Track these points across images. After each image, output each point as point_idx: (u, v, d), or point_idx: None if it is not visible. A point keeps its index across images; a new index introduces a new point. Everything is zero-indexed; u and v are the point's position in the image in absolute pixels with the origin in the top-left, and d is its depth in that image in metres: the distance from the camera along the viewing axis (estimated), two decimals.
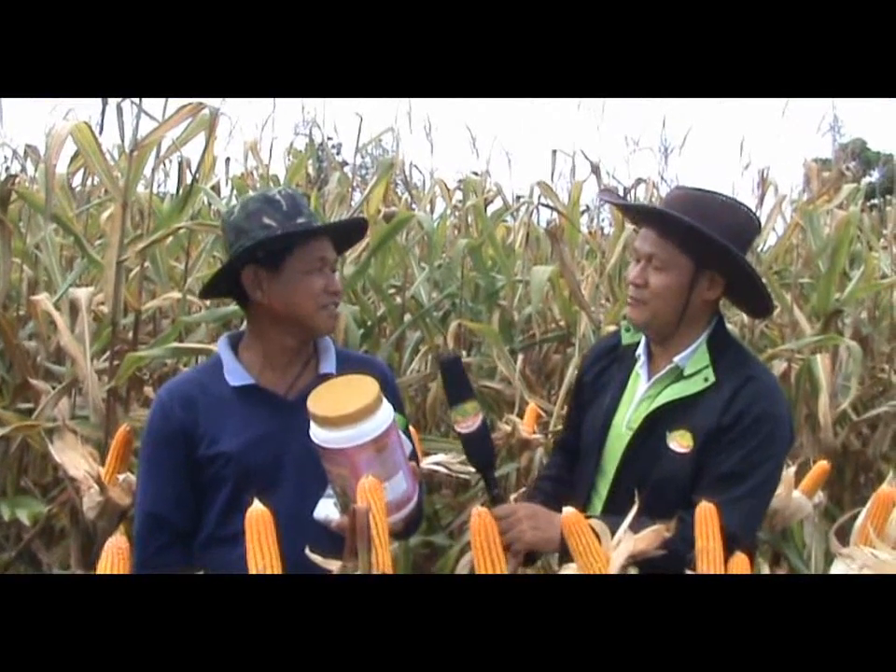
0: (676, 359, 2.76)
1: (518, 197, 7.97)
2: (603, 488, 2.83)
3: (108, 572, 1.82)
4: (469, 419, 2.55)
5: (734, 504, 2.52)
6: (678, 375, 2.77)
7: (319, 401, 2.31)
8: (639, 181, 7.98)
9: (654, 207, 2.80)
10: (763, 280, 2.84)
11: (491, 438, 2.69)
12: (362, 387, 2.32)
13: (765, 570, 2.54)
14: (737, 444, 2.64)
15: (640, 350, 2.89)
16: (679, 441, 2.69)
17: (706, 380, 2.72)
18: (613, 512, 2.48)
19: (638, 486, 2.44)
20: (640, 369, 2.88)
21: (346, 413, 2.23)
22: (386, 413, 2.30)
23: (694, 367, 2.75)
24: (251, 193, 2.83)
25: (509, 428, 4.54)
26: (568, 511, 2.25)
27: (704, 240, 2.63)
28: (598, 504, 2.82)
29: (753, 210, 2.87)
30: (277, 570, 1.89)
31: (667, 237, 2.69)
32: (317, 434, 2.28)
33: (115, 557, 1.84)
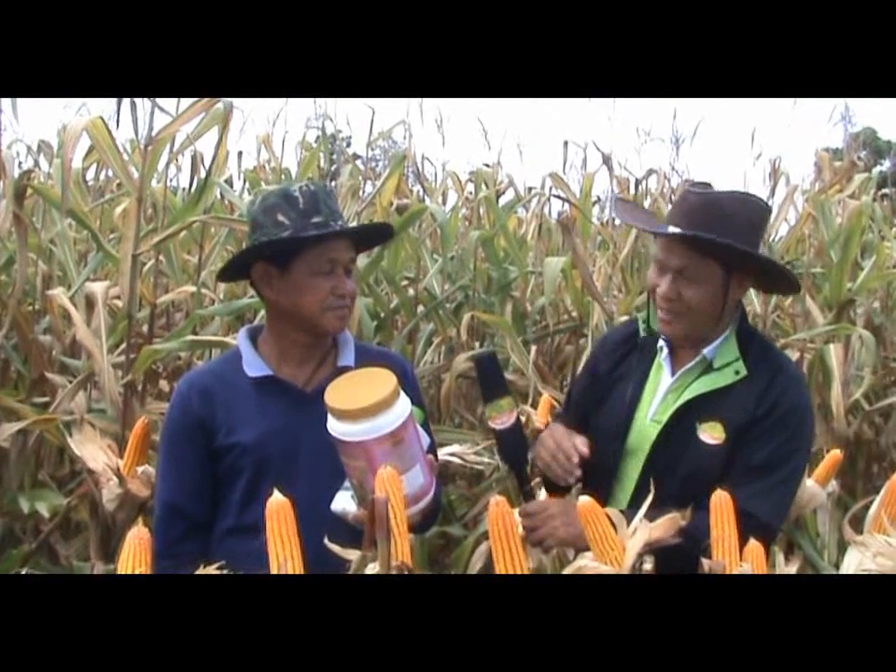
0: (705, 351, 2.76)
1: (530, 189, 7.97)
2: (628, 480, 2.82)
3: (131, 563, 1.84)
4: (504, 415, 2.57)
5: (766, 494, 2.53)
6: (706, 367, 2.77)
7: (336, 394, 2.32)
8: (651, 172, 7.98)
9: (685, 233, 2.74)
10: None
11: (525, 434, 2.69)
12: (380, 380, 2.33)
13: (780, 559, 2.54)
14: (769, 435, 2.65)
15: (662, 342, 2.88)
16: (711, 433, 2.69)
17: (736, 373, 2.72)
18: (641, 503, 2.48)
19: (667, 478, 2.44)
20: (663, 360, 2.86)
21: (363, 406, 2.24)
22: (404, 406, 2.31)
23: (724, 359, 2.75)
24: (273, 186, 2.83)
25: (523, 419, 4.54)
26: (584, 499, 2.26)
27: (737, 252, 2.63)
28: (620, 493, 2.82)
29: (761, 197, 2.88)
30: (298, 561, 1.91)
31: (697, 249, 2.67)
32: (334, 427, 2.29)
33: (137, 548, 1.86)
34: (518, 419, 2.60)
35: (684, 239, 2.69)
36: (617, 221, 7.14)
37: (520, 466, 2.65)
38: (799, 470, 2.78)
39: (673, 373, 2.83)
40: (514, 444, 2.63)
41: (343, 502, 2.41)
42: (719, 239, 2.61)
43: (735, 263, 2.68)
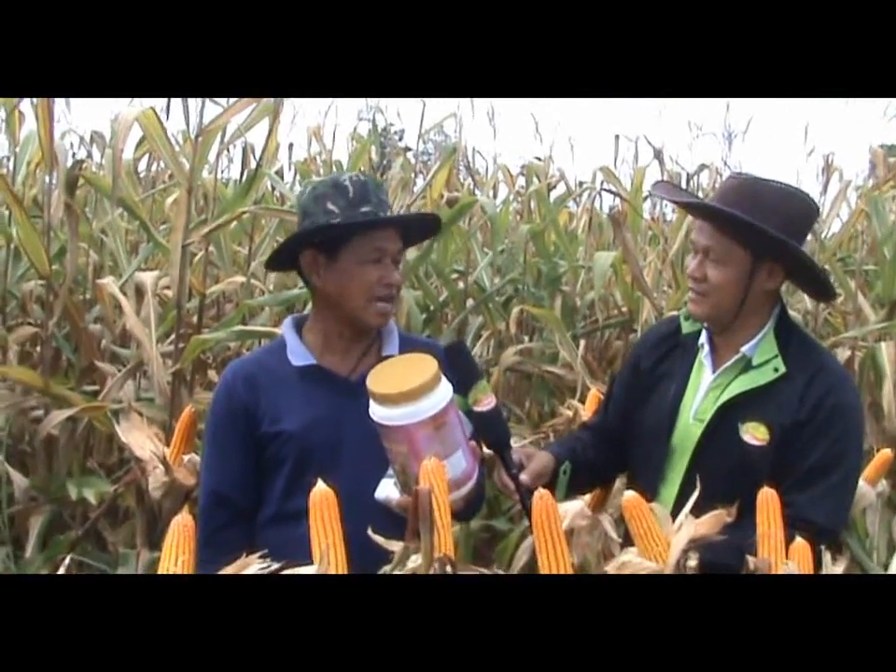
0: (743, 349, 2.73)
1: (581, 182, 7.94)
2: (672, 478, 2.80)
3: (174, 550, 1.84)
4: (486, 398, 2.55)
5: (822, 498, 2.50)
6: (746, 365, 2.74)
7: (378, 379, 2.34)
8: (702, 167, 7.95)
9: (707, 204, 2.76)
10: (826, 267, 2.82)
11: (504, 416, 2.69)
12: (421, 365, 2.34)
13: (827, 558, 2.51)
14: (817, 438, 2.61)
15: (703, 339, 2.86)
16: (754, 434, 2.65)
17: (776, 370, 2.68)
18: (686, 502, 2.45)
19: (712, 477, 2.42)
20: (705, 358, 2.84)
21: (405, 389, 2.25)
22: (445, 390, 2.32)
23: (763, 356, 2.72)
24: (324, 177, 2.84)
25: (570, 413, 4.53)
26: (630, 494, 2.25)
27: (759, 233, 2.61)
28: (665, 492, 2.79)
29: (810, 195, 2.83)
30: (340, 550, 1.91)
31: (723, 230, 2.67)
32: (376, 411, 2.30)
33: (181, 535, 1.87)
34: (497, 401, 2.60)
35: (710, 217, 2.69)
36: (668, 216, 7.10)
37: (504, 448, 2.62)
38: (853, 469, 2.73)
39: (714, 371, 2.80)
40: (497, 426, 2.61)
41: (388, 490, 2.42)
42: (740, 215, 2.59)
43: (762, 249, 2.66)
